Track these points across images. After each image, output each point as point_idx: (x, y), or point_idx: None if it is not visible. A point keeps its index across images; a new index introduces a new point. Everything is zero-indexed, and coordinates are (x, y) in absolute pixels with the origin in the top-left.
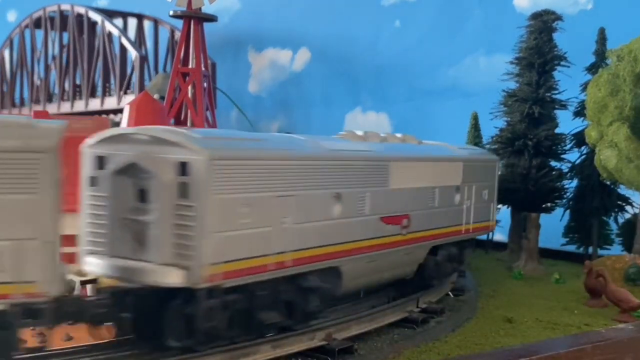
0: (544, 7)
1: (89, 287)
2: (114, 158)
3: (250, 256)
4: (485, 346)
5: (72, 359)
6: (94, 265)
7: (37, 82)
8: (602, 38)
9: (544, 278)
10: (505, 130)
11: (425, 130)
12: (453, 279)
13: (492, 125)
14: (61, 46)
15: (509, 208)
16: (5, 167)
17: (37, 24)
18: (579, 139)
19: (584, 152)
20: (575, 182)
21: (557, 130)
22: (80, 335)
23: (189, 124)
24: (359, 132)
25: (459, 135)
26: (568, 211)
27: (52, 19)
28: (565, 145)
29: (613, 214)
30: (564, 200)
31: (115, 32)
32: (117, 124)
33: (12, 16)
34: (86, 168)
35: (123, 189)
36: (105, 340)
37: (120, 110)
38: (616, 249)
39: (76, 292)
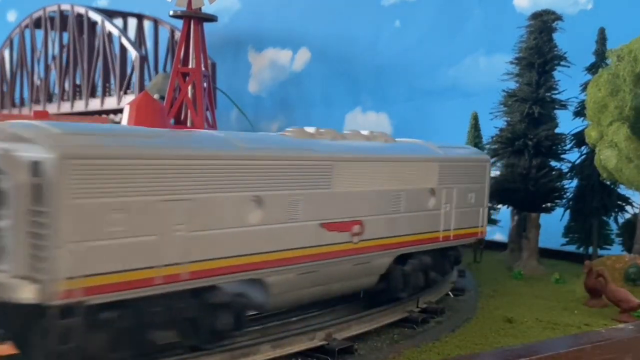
0: (544, 7)
1: None
2: None
3: (126, 269)
4: (485, 346)
5: None
6: None
7: (37, 82)
8: (602, 38)
9: (544, 278)
10: (505, 130)
11: (425, 130)
12: (453, 279)
13: (492, 125)
14: (61, 46)
15: (509, 208)
16: None
17: (37, 24)
18: (579, 139)
19: (584, 152)
20: (575, 182)
21: (557, 130)
22: None
23: (189, 124)
24: (310, 129)
25: (459, 135)
26: (568, 211)
27: (52, 19)
28: (565, 145)
29: (613, 214)
30: (564, 200)
31: (115, 32)
32: (117, 124)
33: (12, 16)
34: None
35: None
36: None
37: (120, 110)
38: (616, 249)
39: None
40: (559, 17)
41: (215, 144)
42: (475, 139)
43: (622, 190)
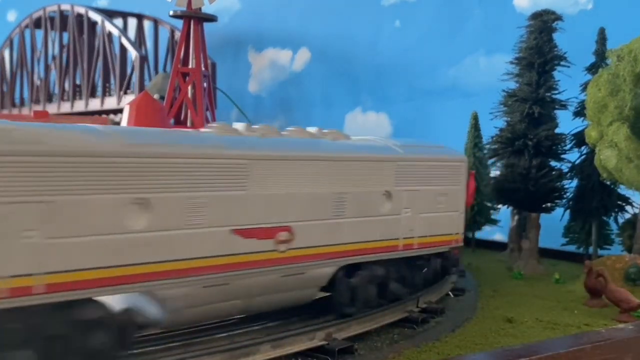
0: (544, 7)
1: None
2: None
3: None
4: (485, 346)
5: None
6: None
7: (37, 82)
8: (602, 38)
9: (544, 278)
10: (505, 130)
11: (425, 130)
12: (453, 279)
13: (492, 125)
14: (61, 46)
15: (509, 208)
16: None
17: (37, 24)
18: (579, 139)
19: (584, 152)
20: (575, 182)
21: (557, 130)
22: None
23: (189, 124)
24: (238, 126)
25: (459, 135)
26: (568, 211)
27: (52, 19)
28: (565, 145)
29: (613, 214)
30: (564, 200)
31: (115, 32)
32: (117, 124)
33: (12, 16)
34: None
35: None
36: None
37: (120, 110)
38: (616, 249)
39: None
40: (559, 17)
41: (85, 140)
42: (475, 139)
43: (622, 190)
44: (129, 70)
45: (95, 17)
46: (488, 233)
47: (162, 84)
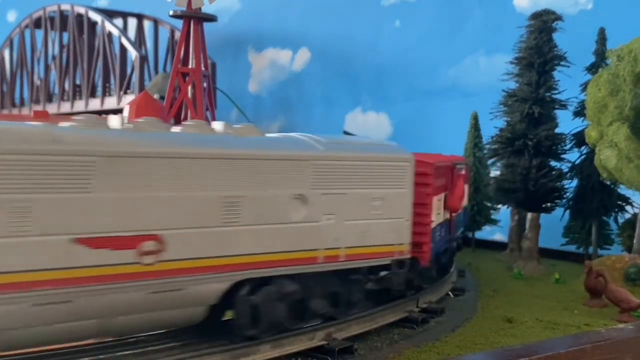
0: (544, 7)
1: None
2: None
3: None
4: (485, 346)
5: None
6: None
7: (37, 82)
8: (602, 38)
9: (544, 278)
10: (505, 130)
11: (425, 130)
12: (453, 279)
13: (492, 125)
14: (61, 46)
15: (509, 208)
16: None
17: (37, 24)
18: (579, 139)
19: (584, 152)
20: (575, 182)
21: (557, 130)
22: None
23: None
24: (114, 120)
25: (459, 135)
26: (568, 211)
27: (52, 19)
28: (565, 145)
29: (613, 214)
30: (564, 200)
31: (115, 32)
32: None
33: (12, 16)
34: None
35: None
36: None
37: (120, 110)
38: (616, 249)
39: None
40: (559, 17)
41: None
42: (475, 139)
43: (622, 190)
44: (129, 70)
45: (95, 17)
46: (488, 233)
47: (162, 84)
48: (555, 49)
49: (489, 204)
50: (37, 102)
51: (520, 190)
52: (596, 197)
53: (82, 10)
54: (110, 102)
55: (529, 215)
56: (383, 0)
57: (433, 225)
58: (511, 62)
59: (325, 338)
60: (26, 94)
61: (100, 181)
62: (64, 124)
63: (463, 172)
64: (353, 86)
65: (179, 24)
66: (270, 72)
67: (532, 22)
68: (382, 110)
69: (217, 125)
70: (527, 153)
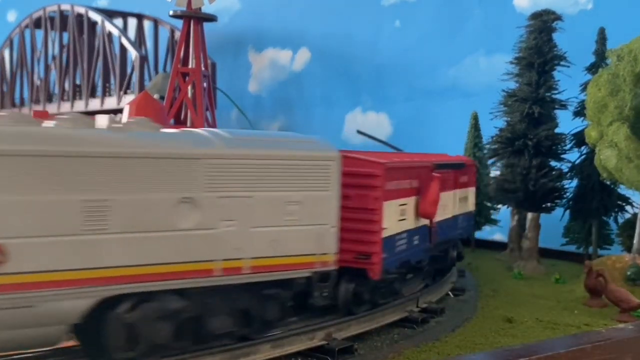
0: (544, 7)
1: None
2: None
3: None
4: (485, 346)
5: None
6: None
7: (37, 82)
8: (602, 38)
9: (544, 278)
10: (505, 130)
11: (425, 130)
12: (453, 279)
13: (492, 125)
14: (61, 46)
15: (509, 208)
16: None
17: (37, 24)
18: (579, 139)
19: (584, 152)
20: (575, 182)
21: (557, 130)
22: None
23: (189, 123)
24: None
25: (459, 135)
26: (568, 211)
27: (52, 19)
28: (565, 145)
29: (613, 214)
30: (564, 200)
31: (115, 32)
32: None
33: (12, 16)
34: None
35: None
36: None
37: (120, 110)
38: (616, 249)
39: None
40: (558, 17)
41: None
42: (475, 139)
43: (622, 190)
44: (129, 70)
45: (95, 17)
46: (488, 233)
47: (162, 84)
48: (555, 49)
49: (489, 204)
50: (37, 102)
51: (520, 190)
52: (596, 197)
53: (82, 10)
54: (110, 102)
55: (529, 215)
56: (383, 0)
57: (387, 233)
58: (511, 62)
59: (325, 338)
60: (26, 94)
61: None
62: None
63: (447, 174)
64: (353, 86)
65: (179, 24)
66: (270, 72)
67: (532, 22)
68: (382, 110)
69: (101, 120)
70: (527, 153)
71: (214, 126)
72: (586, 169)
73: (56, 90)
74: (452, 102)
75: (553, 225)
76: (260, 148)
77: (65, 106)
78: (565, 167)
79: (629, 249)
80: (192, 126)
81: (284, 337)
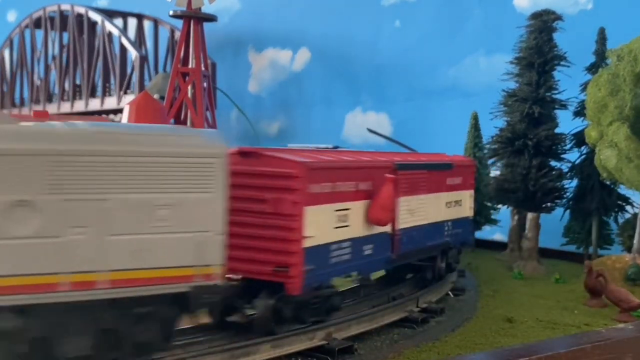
0: (544, 7)
1: None
2: None
3: None
4: (485, 346)
5: None
6: None
7: (37, 82)
8: (602, 38)
9: (544, 278)
10: (505, 130)
11: (425, 130)
12: (453, 279)
13: (492, 125)
14: (61, 46)
15: (509, 208)
16: None
17: (37, 24)
18: (579, 139)
19: (584, 152)
20: (575, 182)
21: (557, 130)
22: None
23: (189, 124)
24: None
25: (459, 135)
26: (568, 211)
27: (52, 19)
28: (565, 145)
29: (613, 214)
30: (564, 200)
31: (115, 32)
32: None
33: (12, 16)
34: None
35: None
36: None
37: (120, 110)
38: (616, 249)
39: None
40: (559, 17)
41: None
42: (475, 139)
43: (622, 190)
44: (129, 70)
45: (95, 17)
46: (488, 233)
47: (162, 84)
48: (555, 49)
49: (489, 204)
50: (37, 102)
51: (520, 190)
52: (596, 197)
53: (82, 10)
54: (110, 102)
55: (529, 215)
56: (383, 0)
57: (314, 242)
58: (511, 62)
59: (325, 338)
60: (26, 94)
61: None
62: None
63: (417, 175)
64: (353, 86)
65: (179, 24)
66: (270, 72)
67: (532, 22)
68: (382, 110)
69: None
70: (527, 153)
71: (214, 126)
72: (586, 169)
73: (56, 90)
74: (452, 102)
75: (553, 225)
76: (118, 143)
77: (65, 106)
78: (565, 167)
79: (629, 249)
80: (193, 126)
81: (283, 337)
